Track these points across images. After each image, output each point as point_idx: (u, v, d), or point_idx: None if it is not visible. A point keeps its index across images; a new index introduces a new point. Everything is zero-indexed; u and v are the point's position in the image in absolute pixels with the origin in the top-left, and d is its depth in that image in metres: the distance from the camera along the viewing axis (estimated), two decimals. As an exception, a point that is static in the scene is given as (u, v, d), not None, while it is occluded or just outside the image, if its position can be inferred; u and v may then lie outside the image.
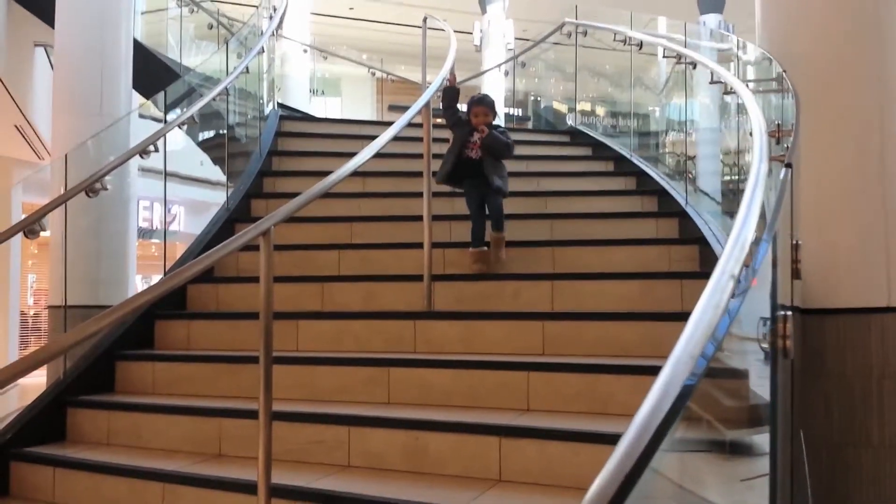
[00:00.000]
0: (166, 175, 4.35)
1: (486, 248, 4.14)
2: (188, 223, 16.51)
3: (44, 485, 3.25)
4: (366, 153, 3.53)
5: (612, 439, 2.53)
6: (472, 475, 2.72)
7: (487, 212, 4.19)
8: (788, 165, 1.86)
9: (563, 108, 8.21)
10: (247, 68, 5.16)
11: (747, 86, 2.99)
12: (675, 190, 4.81)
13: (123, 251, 6.01)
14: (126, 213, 5.94)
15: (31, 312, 16.26)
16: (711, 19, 13.35)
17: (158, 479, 2.95)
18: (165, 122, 4.53)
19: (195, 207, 15.90)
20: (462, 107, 4.53)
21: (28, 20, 8.40)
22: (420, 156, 5.47)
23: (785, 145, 2.18)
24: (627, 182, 5.37)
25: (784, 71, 2.65)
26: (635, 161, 5.55)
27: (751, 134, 3.50)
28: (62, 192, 4.02)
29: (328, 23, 16.54)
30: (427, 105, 3.93)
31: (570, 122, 7.34)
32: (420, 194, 5.00)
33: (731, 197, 4.23)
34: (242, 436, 3.18)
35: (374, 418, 3.00)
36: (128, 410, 3.47)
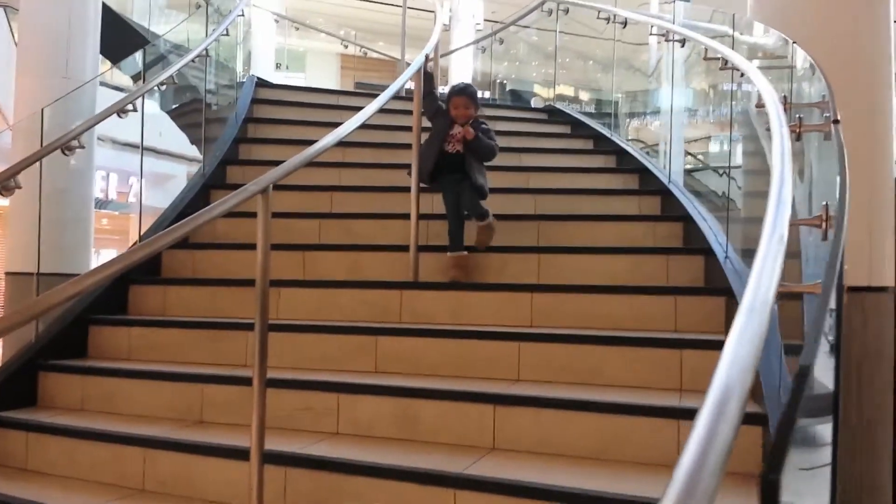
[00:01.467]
0: (143, 139, 4.20)
1: (465, 252, 3.78)
2: (146, 196, 16.16)
3: (15, 451, 3.14)
4: (361, 115, 3.46)
5: (605, 408, 2.54)
6: (465, 443, 2.69)
7: (467, 211, 3.85)
8: (836, 122, 1.85)
9: (542, 91, 8.16)
10: (226, 31, 5.02)
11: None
12: (657, 168, 4.83)
13: (86, 219, 5.84)
14: (89, 179, 5.76)
15: (-16, 283, 15.74)
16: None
17: (139, 444, 2.87)
18: (144, 79, 4.38)
19: (154, 179, 15.56)
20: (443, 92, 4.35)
21: (-13, -21, 8.08)
22: (401, 128, 5.46)
23: (797, 115, 2.18)
24: (607, 160, 5.37)
25: (794, 42, 2.65)
26: (615, 140, 5.55)
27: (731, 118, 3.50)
28: (30, 153, 3.86)
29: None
30: (419, 72, 3.87)
31: (547, 102, 7.31)
32: (401, 165, 4.98)
33: (718, 176, 4.23)
34: (225, 402, 3.11)
35: (363, 385, 2.96)
36: (103, 375, 3.36)
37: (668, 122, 4.89)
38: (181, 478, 2.75)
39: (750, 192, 3.57)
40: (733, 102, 3.60)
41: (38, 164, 3.68)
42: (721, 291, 3.22)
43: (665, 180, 4.56)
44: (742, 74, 3.21)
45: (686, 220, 4.03)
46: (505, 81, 9.60)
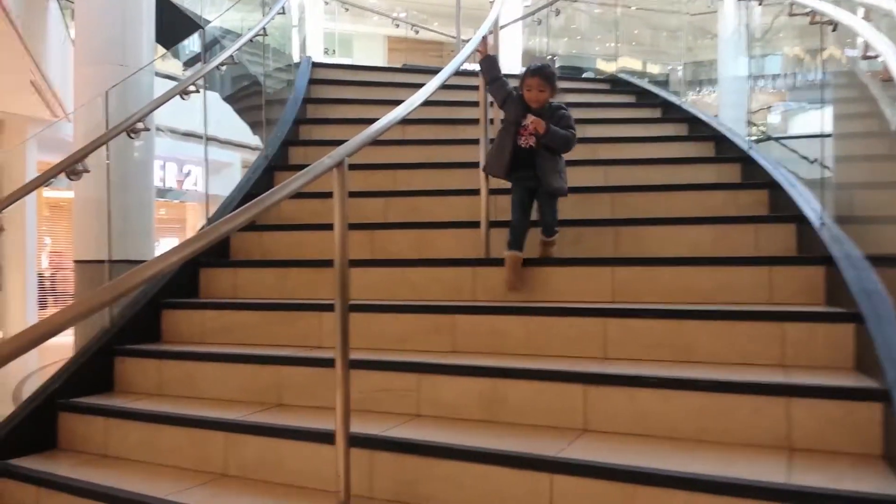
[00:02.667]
0: (206, 120, 4.15)
1: (523, 254, 3.35)
2: (204, 183, 16.34)
3: (94, 436, 3.13)
4: (425, 91, 3.33)
5: (705, 386, 2.39)
6: (556, 425, 2.58)
7: (539, 214, 3.48)
8: None
9: (603, 65, 7.89)
10: (283, 9, 4.94)
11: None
12: (735, 134, 4.60)
13: (149, 206, 5.87)
14: (150, 166, 5.78)
15: (48, 274, 16.19)
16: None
17: (220, 428, 2.82)
18: (204, 60, 4.33)
19: (211, 167, 15.71)
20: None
21: (42, -28, 8.16)
22: (460, 103, 5.32)
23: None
24: (678, 128, 5.16)
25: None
26: (686, 107, 5.33)
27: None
28: (91, 141, 3.84)
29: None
30: (484, 40, 3.72)
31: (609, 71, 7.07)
32: (463, 142, 4.85)
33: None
34: (303, 384, 3.04)
35: (444, 365, 2.86)
36: (180, 359, 3.33)
37: (745, 87, 4.65)
38: (264, 462, 2.70)
39: (846, 157, 3.36)
40: (824, 64, 3.37)
41: (104, 149, 3.65)
42: (820, 260, 3.02)
43: (745, 147, 4.34)
44: (833, 28, 3.00)
45: (771, 187, 3.82)
46: (555, 58, 9.36)
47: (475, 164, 4.45)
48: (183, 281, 3.86)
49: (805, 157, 4.13)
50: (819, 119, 3.73)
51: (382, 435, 2.55)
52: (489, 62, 3.63)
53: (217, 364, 3.24)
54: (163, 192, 15.22)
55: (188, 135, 14.10)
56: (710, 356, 2.74)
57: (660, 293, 3.19)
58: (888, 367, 2.20)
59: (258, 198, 2.28)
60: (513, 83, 3.59)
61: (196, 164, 16.12)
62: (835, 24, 2.89)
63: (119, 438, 3.07)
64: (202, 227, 4.24)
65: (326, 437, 2.48)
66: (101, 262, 5.03)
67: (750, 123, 4.56)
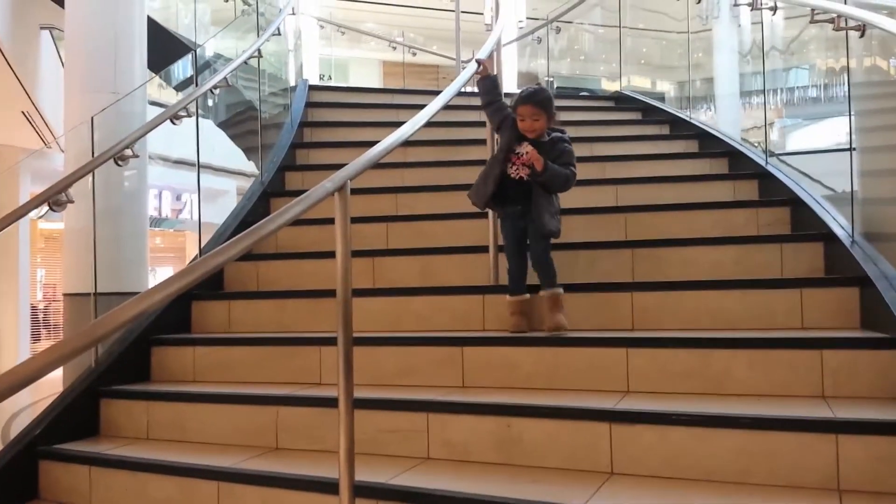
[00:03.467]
0: (199, 144, 3.96)
1: (527, 295, 3.10)
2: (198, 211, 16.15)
3: (78, 486, 2.90)
4: (427, 112, 3.12)
5: (745, 423, 2.16)
6: (579, 468, 2.35)
7: (531, 258, 3.13)
8: None
9: (606, 84, 7.70)
10: (278, 30, 4.78)
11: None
12: (750, 150, 4.42)
13: (142, 235, 5.68)
14: (143, 195, 5.59)
15: (41, 306, 15.97)
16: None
17: (212, 476, 2.59)
18: (196, 83, 4.15)
19: (206, 195, 15.54)
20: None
21: (33, 1, 8.02)
22: (466, 124, 5.15)
23: None
24: (688, 145, 4.98)
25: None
26: (695, 122, 5.15)
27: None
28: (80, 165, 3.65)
29: (339, 6, 16.15)
30: (491, 57, 3.54)
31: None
32: (468, 163, 4.66)
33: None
34: (302, 425, 2.82)
35: (454, 403, 2.64)
36: (169, 400, 3.11)
37: (762, 101, 4.47)
38: (261, 514, 2.47)
39: (874, 171, 3.16)
40: (848, 77, 3.18)
41: (90, 177, 3.46)
42: (854, 281, 2.82)
43: (762, 162, 4.15)
44: (861, 34, 2.82)
45: (793, 203, 3.63)
46: (552, 80, 9.15)
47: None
48: (174, 315, 3.65)
49: (814, 175, 3.91)
50: (832, 132, 3.55)
51: (390, 483, 2.32)
52: (489, 83, 3.30)
53: (209, 405, 3.02)
54: (158, 222, 15.02)
55: (182, 163, 13.97)
56: (744, 388, 2.52)
57: (683, 320, 2.99)
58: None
59: (252, 227, 2.08)
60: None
61: (192, 192, 15.98)
62: (863, 29, 2.70)
63: (104, 488, 2.84)
64: (194, 258, 4.04)
65: (329, 487, 2.26)
66: (75, 294, 4.85)
67: (765, 135, 4.34)
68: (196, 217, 15.85)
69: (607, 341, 2.78)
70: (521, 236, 3.12)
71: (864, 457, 2.05)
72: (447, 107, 3.33)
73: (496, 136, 3.36)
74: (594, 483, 2.22)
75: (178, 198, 16.41)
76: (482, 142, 5.02)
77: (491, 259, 3.44)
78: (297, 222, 2.55)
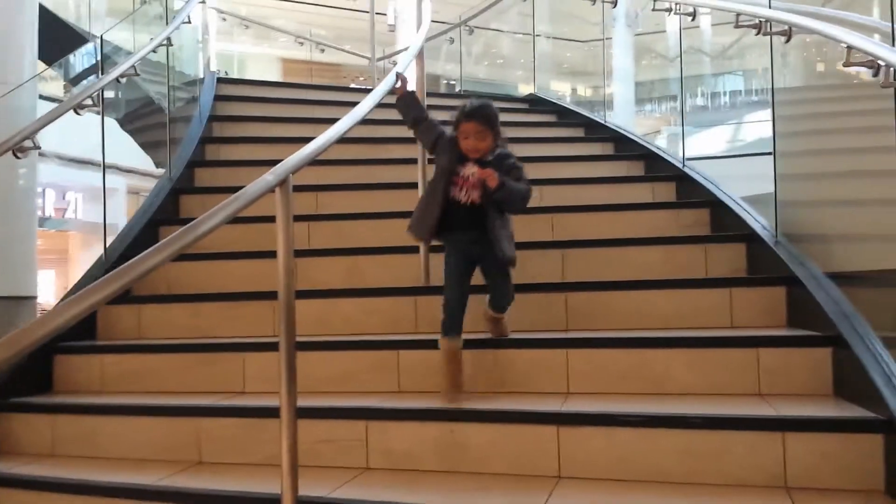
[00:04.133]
0: (104, 136, 3.69)
1: (460, 342, 2.63)
2: (86, 211, 15.28)
3: (-26, 510, 2.62)
4: (361, 109, 3.00)
5: (696, 423, 2.17)
6: (526, 472, 2.30)
7: (489, 290, 2.80)
8: None
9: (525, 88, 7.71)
10: (188, 18, 4.52)
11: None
12: (666, 153, 4.51)
13: (31, 236, 5.29)
14: (33, 192, 5.21)
15: None
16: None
17: (129, 495, 2.38)
18: (102, 70, 3.87)
19: (94, 193, 14.72)
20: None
21: None
22: (388, 122, 5.03)
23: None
24: (604, 147, 5.05)
25: None
26: (611, 125, 5.23)
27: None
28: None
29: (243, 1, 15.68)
30: (420, 55, 3.46)
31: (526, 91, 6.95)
32: (392, 161, 4.57)
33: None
34: (228, 437, 2.65)
35: (394, 410, 2.54)
36: (77, 413, 2.87)
37: (677, 104, 4.57)
38: (187, 535, 2.29)
39: (795, 175, 3.27)
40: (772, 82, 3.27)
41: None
42: (780, 280, 2.90)
43: (678, 164, 4.24)
44: (787, 39, 2.91)
45: (713, 205, 3.72)
46: (453, 83, 9.14)
47: (406, 185, 4.17)
48: (77, 321, 3.37)
49: (729, 179, 4.00)
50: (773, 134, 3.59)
51: (331, 497, 2.20)
52: (406, 101, 2.92)
53: (122, 417, 2.80)
54: (42, 221, 14.11)
55: (66, 160, 13.17)
56: (684, 387, 2.54)
57: (617, 320, 2.99)
58: (889, 394, 2.04)
59: (188, 225, 1.90)
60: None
61: (77, 190, 15.10)
62: (789, 33, 2.78)
63: (4, 512, 2.58)
64: (100, 258, 3.77)
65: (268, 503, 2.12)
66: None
67: (682, 137, 4.43)
68: (81, 216, 14.87)
69: (547, 342, 2.76)
70: (468, 267, 2.73)
71: (809, 453, 2.09)
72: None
73: (426, 155, 3.20)
74: (545, 488, 2.17)
75: (63, 196, 15.49)
76: (406, 140, 4.97)
77: (422, 259, 3.35)
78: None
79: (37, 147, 3.14)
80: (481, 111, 2.70)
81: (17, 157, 3.07)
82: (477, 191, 2.68)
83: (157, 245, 1.80)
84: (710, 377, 2.53)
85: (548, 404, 2.45)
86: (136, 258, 1.73)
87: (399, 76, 3.01)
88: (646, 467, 2.19)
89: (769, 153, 3.29)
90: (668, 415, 2.23)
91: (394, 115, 4.90)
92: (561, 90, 7.16)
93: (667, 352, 2.59)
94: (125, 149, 6.60)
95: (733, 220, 3.49)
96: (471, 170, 2.69)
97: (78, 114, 3.34)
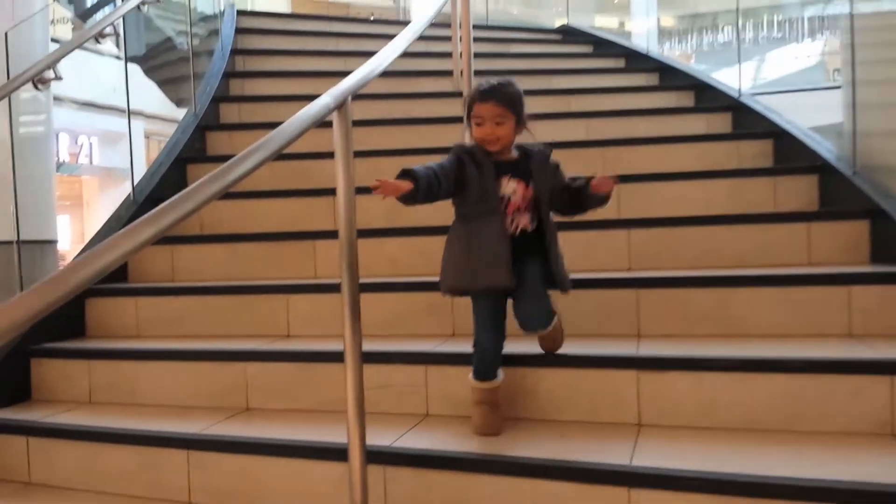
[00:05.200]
0: (126, 63, 3.46)
1: (501, 379, 2.14)
2: (101, 155, 15.07)
3: (12, 461, 2.49)
4: (410, 32, 2.77)
5: (791, 367, 1.98)
6: (603, 420, 2.14)
7: (521, 315, 2.11)
8: None
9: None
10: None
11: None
12: (720, 83, 4.25)
13: (49, 178, 5.11)
14: (51, 131, 5.01)
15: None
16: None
17: (178, 444, 2.25)
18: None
19: (109, 138, 14.49)
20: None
21: None
22: (420, 55, 4.79)
23: None
24: (649, 78, 4.79)
25: None
26: (655, 56, 4.95)
27: None
28: None
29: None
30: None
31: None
32: (425, 95, 4.36)
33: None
34: (276, 384, 2.50)
35: (454, 354, 2.36)
36: (114, 359, 2.72)
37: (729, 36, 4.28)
38: (241, 487, 2.15)
39: (876, 104, 3.03)
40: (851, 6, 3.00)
41: (7, 104, 2.95)
42: (863, 214, 2.69)
43: (734, 94, 3.99)
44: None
45: (776, 136, 3.49)
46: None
47: (443, 120, 3.97)
48: (108, 262, 3.21)
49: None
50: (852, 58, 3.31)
51: (396, 447, 2.04)
52: (428, 192, 2.04)
53: (163, 363, 2.65)
54: (56, 167, 13.89)
55: (86, 104, 12.91)
56: (769, 329, 2.36)
57: (685, 259, 2.80)
58: None
59: (227, 163, 1.67)
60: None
61: (91, 134, 14.86)
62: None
63: (45, 463, 2.44)
64: (127, 198, 3.59)
65: (332, 454, 1.97)
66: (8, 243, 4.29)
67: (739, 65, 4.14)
68: (96, 161, 14.64)
69: (613, 282, 2.57)
70: (504, 302, 2.14)
71: (922, 399, 1.91)
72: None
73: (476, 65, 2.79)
74: (627, 436, 2.01)
75: (76, 141, 15.27)
76: (440, 72, 4.73)
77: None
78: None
79: (58, 77, 2.93)
80: (500, 89, 2.11)
81: (38, 89, 2.87)
82: (526, 216, 2.10)
83: (212, 174, 1.59)
84: (797, 318, 2.34)
85: (621, 348, 2.28)
86: (195, 186, 1.52)
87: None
88: (737, 415, 2.02)
89: (837, 87, 3.05)
90: (763, 358, 2.05)
91: (424, 46, 4.67)
92: (597, 23, 6.80)
93: (749, 291, 2.40)
94: (143, 93, 6.38)
95: (801, 151, 3.27)
96: (510, 186, 2.09)
97: (98, 42, 3.11)
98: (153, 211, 1.46)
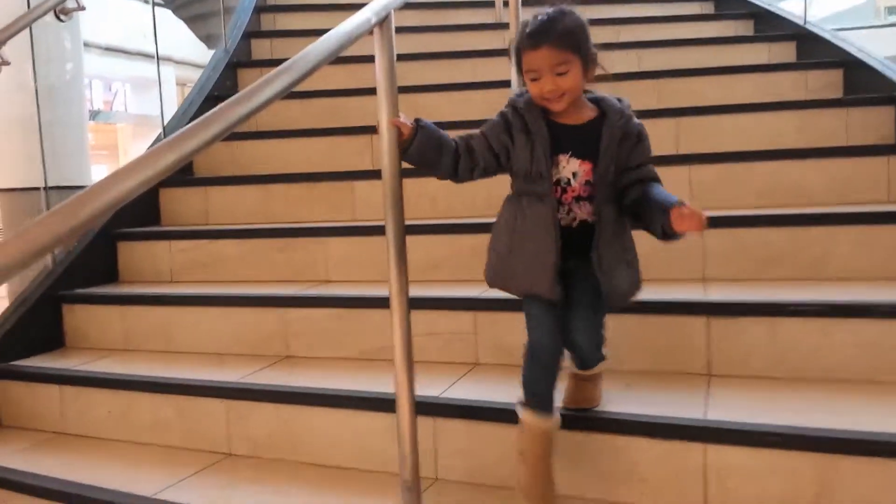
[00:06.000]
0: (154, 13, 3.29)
1: (558, 421, 1.62)
2: (135, 103, 15.02)
3: (46, 410, 2.42)
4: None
5: (878, 312, 1.76)
6: (669, 370, 1.98)
7: (570, 336, 1.65)
8: None
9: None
10: None
11: None
12: (782, 11, 3.95)
13: (81, 121, 4.99)
14: (81, 71, 4.86)
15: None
16: None
17: (215, 394, 2.14)
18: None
19: (141, 85, 14.41)
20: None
21: None
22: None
23: None
24: (703, 6, 4.49)
25: None
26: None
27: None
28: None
29: None
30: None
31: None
32: (461, 27, 4.14)
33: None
34: (317, 330, 2.38)
35: (505, 300, 2.19)
36: (150, 304, 2.61)
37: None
38: (281, 437, 2.05)
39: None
40: None
41: (29, 43, 2.80)
42: (950, 147, 2.45)
43: (799, 22, 3.70)
44: None
45: (847, 66, 3.22)
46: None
47: (480, 53, 3.77)
48: (139, 205, 3.10)
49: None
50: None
51: (445, 397, 1.91)
52: (421, 147, 1.69)
53: (200, 308, 2.54)
54: (91, 115, 13.89)
55: (110, 49, 12.78)
56: (848, 271, 2.16)
57: (751, 196, 2.60)
58: None
59: (257, 83, 1.50)
60: None
61: (124, 81, 14.78)
62: None
63: (79, 412, 2.36)
64: (158, 136, 3.46)
65: (378, 404, 1.85)
66: (33, 189, 4.21)
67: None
68: (130, 109, 14.57)
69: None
70: (560, 315, 1.64)
71: None
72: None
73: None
74: (697, 386, 1.85)
75: (109, 88, 15.22)
76: (477, 3, 4.49)
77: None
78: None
79: (81, 8, 2.77)
80: (554, 26, 1.56)
81: (61, 20, 2.71)
82: (588, 206, 1.61)
83: (242, 92, 1.43)
84: (878, 259, 2.14)
85: (688, 293, 2.11)
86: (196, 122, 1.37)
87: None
88: (814, 364, 1.85)
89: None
90: (846, 303, 1.86)
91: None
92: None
93: (825, 230, 2.20)
94: (173, 39, 6.21)
95: (876, 81, 3.01)
96: (570, 168, 1.61)
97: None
98: (173, 135, 1.31)
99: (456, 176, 1.72)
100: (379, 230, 2.57)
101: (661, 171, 2.66)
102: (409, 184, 2.82)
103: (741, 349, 1.92)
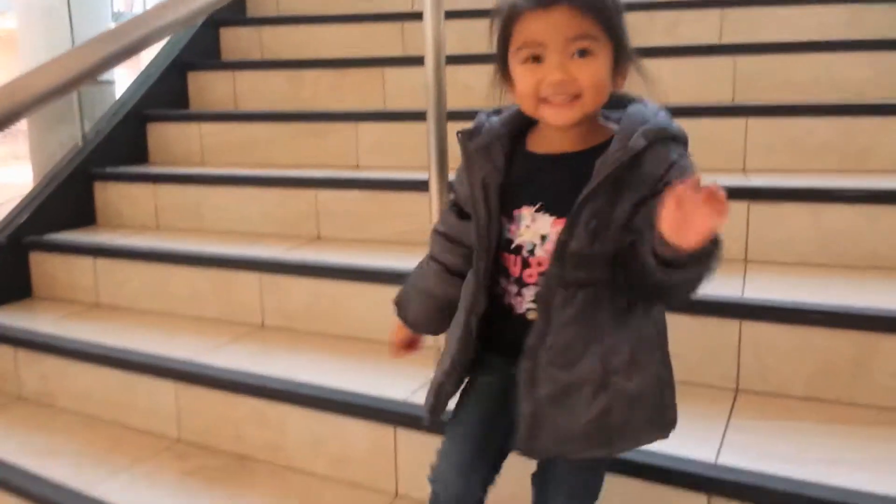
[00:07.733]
0: None
1: None
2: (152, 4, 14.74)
3: (80, 281, 2.46)
4: None
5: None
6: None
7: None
8: None
9: None
10: None
11: None
12: None
13: (103, 21, 4.89)
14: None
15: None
16: None
17: (250, 267, 2.16)
18: None
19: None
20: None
21: None
22: None
23: None
24: None
25: None
26: None
27: None
28: None
29: None
30: None
31: None
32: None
33: None
34: (347, 212, 2.37)
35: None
36: (181, 183, 2.62)
37: None
38: (314, 310, 2.07)
39: None
40: None
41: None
42: None
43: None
44: None
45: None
46: None
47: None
48: (167, 88, 3.07)
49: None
50: None
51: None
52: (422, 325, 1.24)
53: (230, 188, 2.54)
54: (117, 17, 13.64)
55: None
56: (893, 163, 2.11)
57: (796, 89, 2.51)
58: None
59: None
60: None
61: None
62: None
63: (115, 284, 2.40)
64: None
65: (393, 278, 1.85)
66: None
67: None
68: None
69: (717, 111, 2.32)
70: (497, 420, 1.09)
71: None
72: None
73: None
74: (733, 271, 1.84)
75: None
76: None
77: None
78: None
79: None
80: None
81: None
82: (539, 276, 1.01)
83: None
84: (928, 151, 2.09)
85: (727, 180, 2.07)
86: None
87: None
88: (858, 250, 1.83)
89: None
90: (892, 189, 1.82)
91: None
92: None
93: (874, 120, 2.14)
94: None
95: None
96: (539, 226, 1.01)
97: None
98: None
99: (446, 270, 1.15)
100: (411, 116, 2.56)
101: (702, 62, 2.59)
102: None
103: (782, 235, 1.89)
